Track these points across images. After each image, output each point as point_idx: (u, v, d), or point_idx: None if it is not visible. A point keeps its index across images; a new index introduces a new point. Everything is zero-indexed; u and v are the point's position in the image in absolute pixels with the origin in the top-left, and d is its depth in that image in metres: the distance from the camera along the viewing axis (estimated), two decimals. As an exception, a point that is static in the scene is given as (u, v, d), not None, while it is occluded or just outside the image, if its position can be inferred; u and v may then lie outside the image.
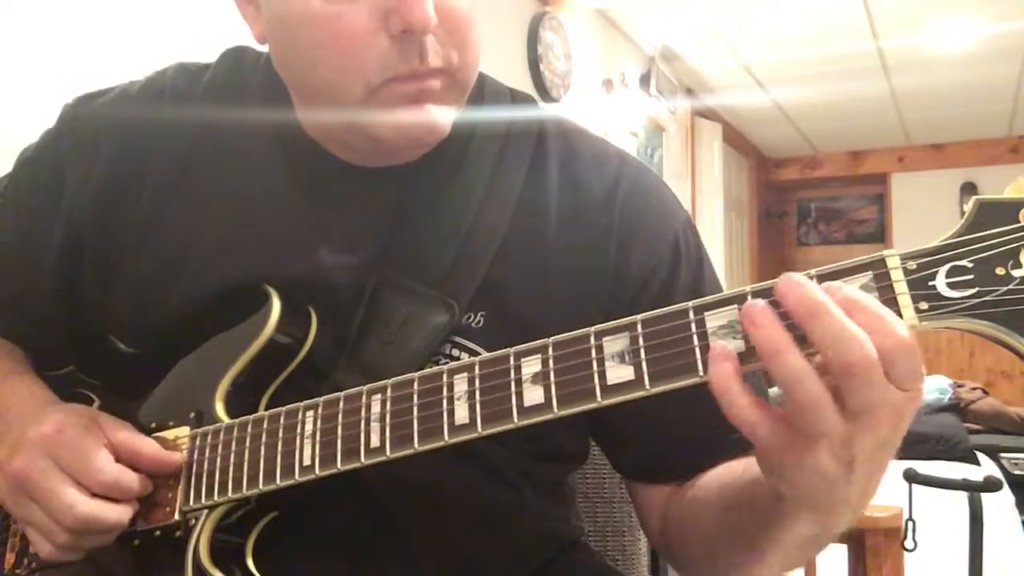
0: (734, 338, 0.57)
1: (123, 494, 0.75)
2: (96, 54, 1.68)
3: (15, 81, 1.57)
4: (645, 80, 4.40)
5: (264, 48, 0.84)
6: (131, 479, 0.76)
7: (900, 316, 0.54)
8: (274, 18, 0.77)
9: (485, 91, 0.88)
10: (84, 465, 0.74)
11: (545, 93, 3.36)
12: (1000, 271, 0.53)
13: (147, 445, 0.77)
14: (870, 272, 0.55)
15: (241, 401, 0.79)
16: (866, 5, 3.92)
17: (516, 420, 0.63)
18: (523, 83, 3.26)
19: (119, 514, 0.75)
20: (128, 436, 0.77)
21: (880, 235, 7.27)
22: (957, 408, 4.23)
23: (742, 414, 0.55)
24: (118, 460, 0.76)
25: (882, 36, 4.31)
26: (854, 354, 0.51)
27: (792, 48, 4.46)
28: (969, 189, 6.53)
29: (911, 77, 4.93)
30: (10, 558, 0.86)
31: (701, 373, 0.58)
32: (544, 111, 0.90)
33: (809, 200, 7.71)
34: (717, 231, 5.32)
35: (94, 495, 0.74)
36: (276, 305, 0.78)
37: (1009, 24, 4.06)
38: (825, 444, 0.55)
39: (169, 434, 0.80)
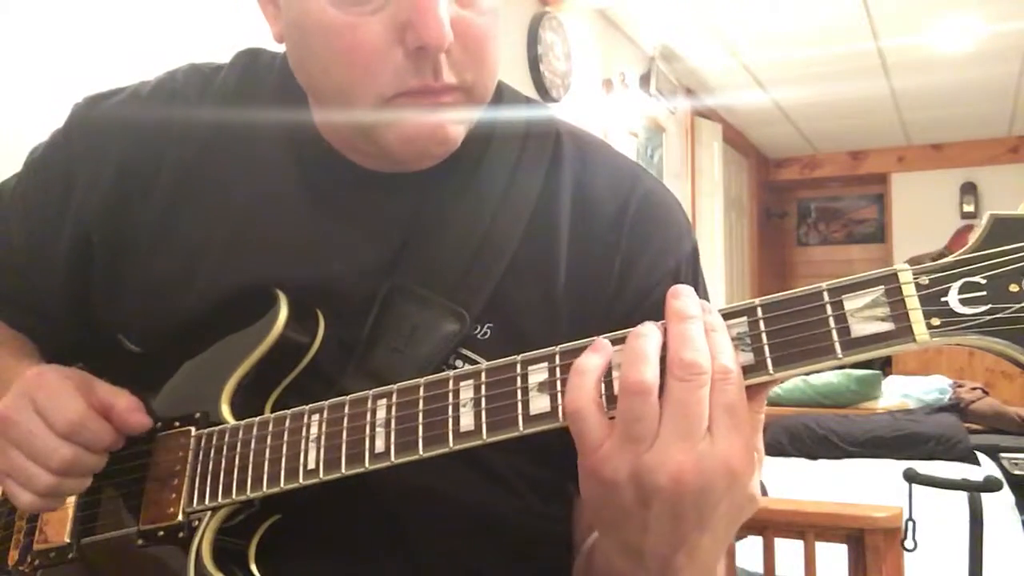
0: (743, 351, 0.58)
1: (88, 441, 0.75)
2: (106, 54, 1.68)
3: (24, 81, 1.57)
4: (645, 80, 4.40)
5: (281, 48, 0.84)
6: (98, 426, 0.76)
7: (911, 331, 0.54)
8: (291, 21, 0.76)
9: (502, 98, 0.87)
10: (53, 404, 0.75)
11: (545, 93, 3.36)
12: (1014, 288, 0.53)
13: (120, 400, 0.77)
14: (882, 287, 0.55)
15: (247, 403, 0.79)
16: (866, 5, 3.93)
17: (521, 428, 0.62)
18: (523, 83, 3.26)
19: (94, 460, 0.76)
20: (103, 390, 0.78)
21: (880, 235, 7.28)
22: (957, 408, 4.24)
23: (583, 400, 0.59)
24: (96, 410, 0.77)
25: (882, 36, 4.32)
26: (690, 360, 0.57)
27: (792, 48, 4.46)
28: (969, 189, 6.55)
29: (911, 77, 4.94)
30: (13, 555, 0.86)
31: None
32: (562, 121, 0.89)
33: (809, 200, 7.72)
34: (717, 231, 5.32)
35: (61, 435, 0.75)
36: (283, 308, 0.78)
37: (1009, 24, 4.07)
38: (633, 451, 0.57)
39: (174, 434, 0.80)
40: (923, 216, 6.58)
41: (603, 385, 0.60)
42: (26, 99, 1.55)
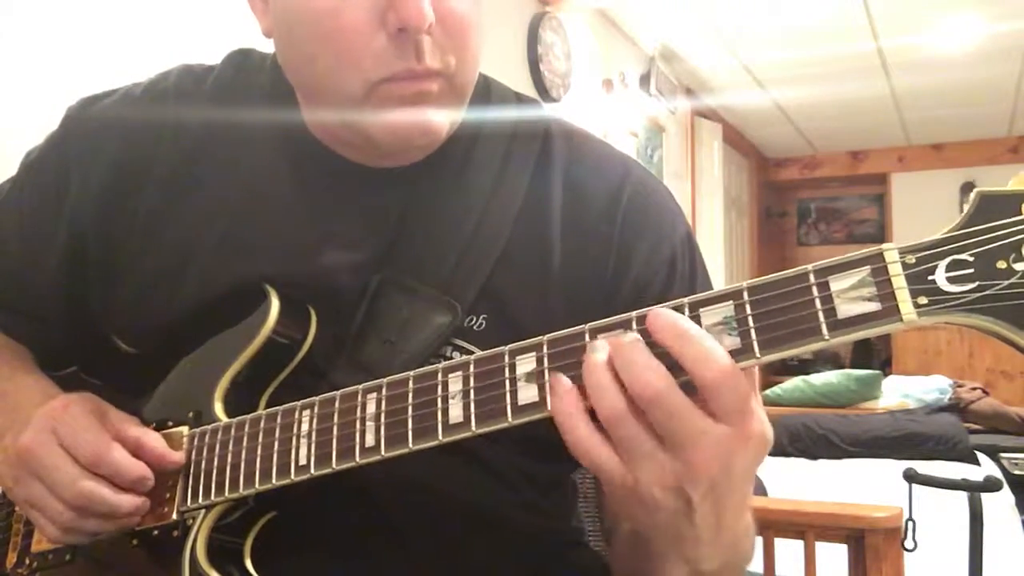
0: (729, 335, 0.57)
1: (117, 475, 0.74)
2: (99, 56, 1.68)
3: (18, 84, 1.57)
4: (645, 80, 4.40)
5: (270, 46, 0.84)
6: (126, 460, 0.74)
7: (898, 311, 0.54)
8: (278, 13, 0.77)
9: (491, 93, 0.88)
10: (79, 439, 0.74)
11: (545, 93, 3.36)
12: (1002, 265, 0.52)
13: (151, 438, 0.76)
14: (868, 267, 0.55)
15: (240, 400, 0.78)
16: (866, 5, 3.93)
17: (510, 419, 0.62)
18: (523, 83, 3.26)
19: (120, 499, 0.74)
20: (132, 427, 0.77)
21: (880, 235, 7.28)
22: (957, 408, 4.24)
23: (580, 444, 0.59)
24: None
25: (882, 36, 4.32)
26: (642, 386, 0.56)
27: (792, 48, 4.46)
28: (969, 189, 6.53)
29: (911, 77, 4.94)
30: (11, 557, 0.86)
31: None
32: (549, 114, 0.89)
33: (809, 200, 7.72)
34: (717, 231, 5.32)
35: (85, 469, 0.74)
36: (275, 304, 0.78)
37: (1009, 24, 4.07)
38: (651, 473, 0.58)
39: (169, 434, 0.79)
40: (923, 216, 6.57)
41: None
42: (21, 102, 1.55)
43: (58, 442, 0.75)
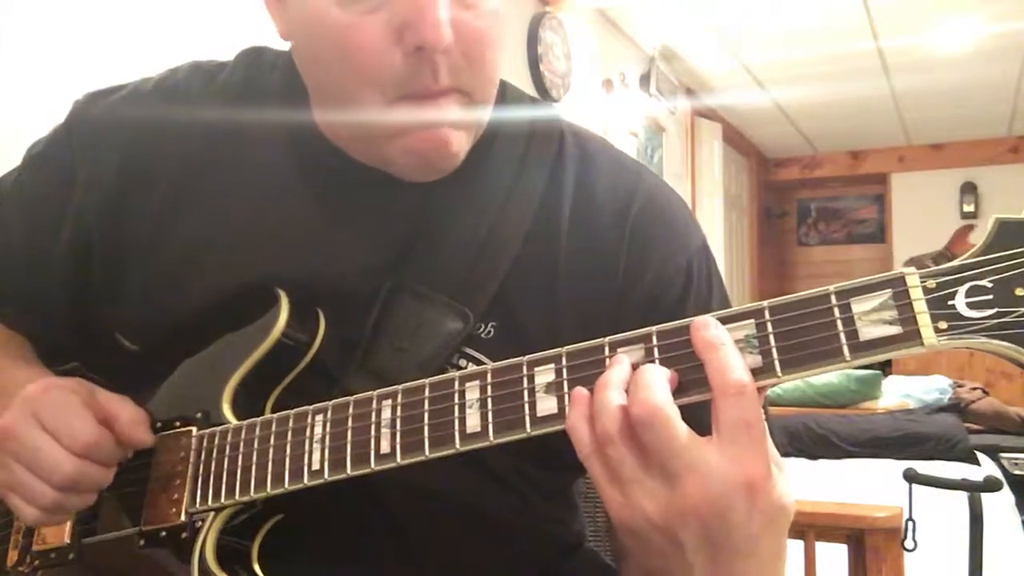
0: (751, 352, 0.58)
1: (101, 457, 0.75)
2: (107, 51, 1.67)
3: (25, 77, 1.57)
4: (645, 80, 4.40)
5: (285, 45, 0.83)
6: (109, 442, 0.76)
7: (919, 335, 0.54)
8: (296, 19, 0.76)
9: (507, 97, 0.87)
10: (65, 423, 0.74)
11: (545, 93, 3.35)
12: (1020, 292, 0.53)
13: (123, 412, 0.77)
14: (889, 290, 0.55)
15: (248, 402, 0.78)
16: (866, 5, 3.93)
17: (529, 430, 0.62)
18: (523, 83, 3.25)
19: (104, 475, 0.76)
20: (107, 401, 0.77)
21: (880, 235, 7.27)
22: (957, 408, 4.24)
23: (585, 458, 0.59)
24: (101, 423, 0.76)
25: (882, 36, 4.32)
26: (640, 403, 0.56)
27: (792, 48, 4.46)
28: (969, 189, 6.54)
29: (911, 77, 4.93)
30: (13, 556, 0.86)
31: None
32: (565, 121, 0.88)
33: (809, 200, 7.71)
34: (717, 231, 5.32)
35: (75, 454, 0.74)
36: (284, 307, 0.78)
37: (1009, 24, 4.07)
38: (638, 498, 0.57)
39: (178, 433, 0.79)
40: (923, 216, 6.58)
41: None
42: (27, 95, 1.55)
43: (40, 425, 0.75)
